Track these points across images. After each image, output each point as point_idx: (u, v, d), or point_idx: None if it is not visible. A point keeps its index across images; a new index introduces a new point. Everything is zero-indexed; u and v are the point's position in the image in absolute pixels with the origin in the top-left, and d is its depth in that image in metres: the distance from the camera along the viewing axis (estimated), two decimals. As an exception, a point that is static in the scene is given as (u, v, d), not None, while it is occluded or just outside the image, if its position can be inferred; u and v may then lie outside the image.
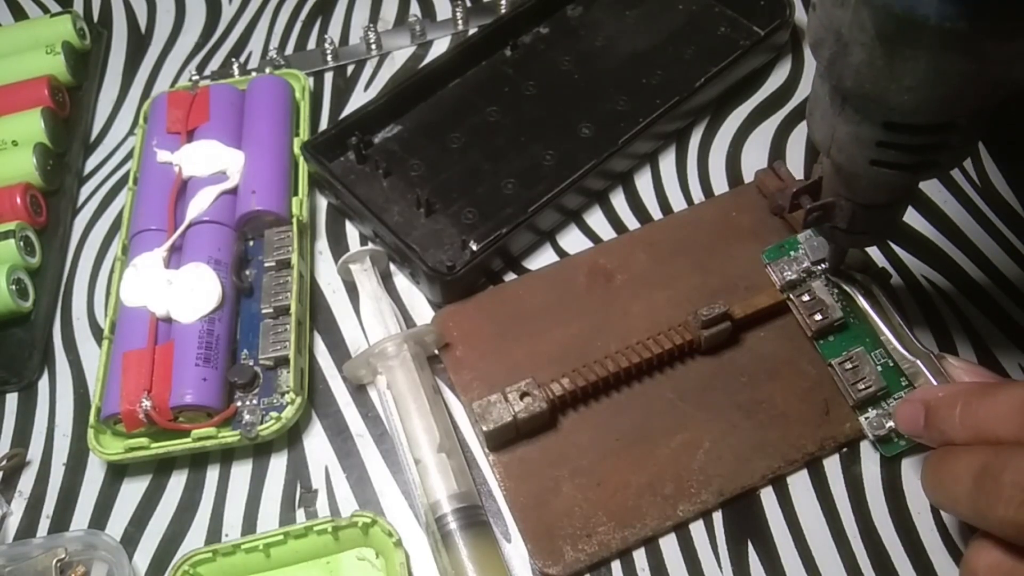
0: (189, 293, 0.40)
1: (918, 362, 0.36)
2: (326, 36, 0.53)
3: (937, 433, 0.32)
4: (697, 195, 0.46)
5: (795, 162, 0.46)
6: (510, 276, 0.43)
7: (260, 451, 0.40)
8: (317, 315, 0.43)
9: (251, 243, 0.44)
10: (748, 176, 0.46)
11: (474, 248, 0.42)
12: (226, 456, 0.40)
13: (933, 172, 0.31)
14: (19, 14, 0.58)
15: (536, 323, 0.41)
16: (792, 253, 0.40)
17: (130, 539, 0.38)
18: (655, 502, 0.36)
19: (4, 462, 0.40)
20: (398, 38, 0.53)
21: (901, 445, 0.37)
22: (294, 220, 0.43)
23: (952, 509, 0.31)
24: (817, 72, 0.31)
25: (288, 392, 0.39)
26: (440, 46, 0.53)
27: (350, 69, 0.52)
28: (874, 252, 0.42)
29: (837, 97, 0.30)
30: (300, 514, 0.38)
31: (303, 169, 0.46)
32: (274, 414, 0.38)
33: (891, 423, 0.37)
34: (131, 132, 0.51)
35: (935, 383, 0.35)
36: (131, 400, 0.38)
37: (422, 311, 0.43)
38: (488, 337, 0.41)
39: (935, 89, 0.27)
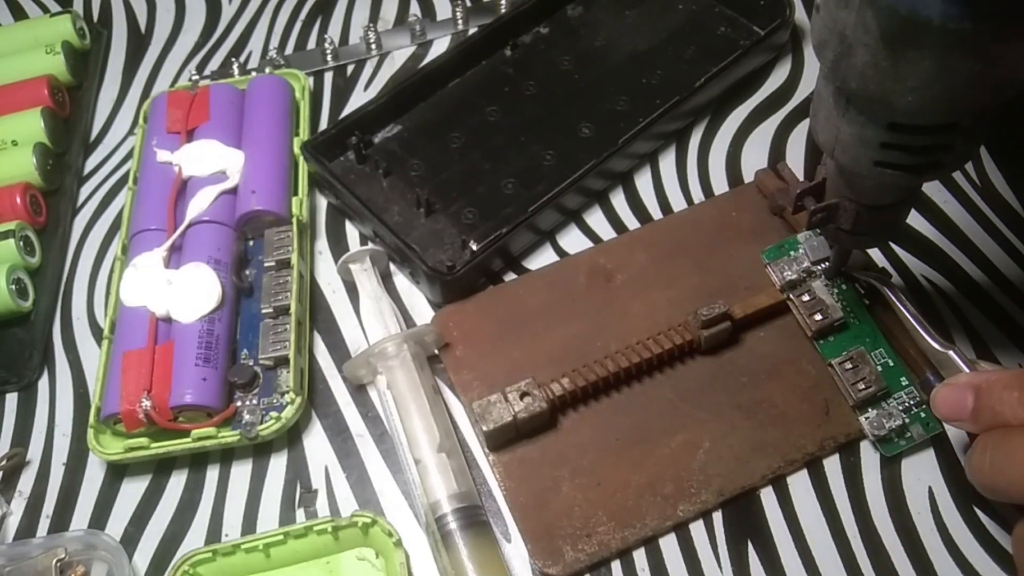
0: (189, 293, 0.40)
1: (950, 352, 0.35)
2: (326, 36, 0.53)
3: (990, 415, 0.31)
4: (697, 195, 0.46)
5: (795, 162, 0.46)
6: (510, 276, 0.43)
7: (260, 451, 0.40)
8: (317, 315, 0.43)
9: (251, 243, 0.44)
10: (748, 176, 0.46)
11: (474, 248, 0.42)
12: (226, 456, 0.40)
13: (937, 173, 0.31)
14: (19, 14, 0.58)
15: (536, 323, 0.41)
16: (792, 253, 0.40)
17: (130, 539, 0.38)
18: (655, 502, 0.36)
19: (4, 462, 0.40)
20: (398, 38, 0.53)
21: (901, 445, 0.37)
22: (294, 220, 0.43)
23: (1016, 491, 0.30)
24: (821, 73, 0.31)
25: (288, 392, 0.39)
26: (440, 46, 0.53)
27: (350, 69, 0.52)
28: (874, 252, 0.42)
29: (841, 98, 0.30)
30: (300, 514, 0.38)
31: (303, 169, 0.46)
32: (274, 414, 0.38)
33: (891, 423, 0.37)
34: (131, 132, 0.51)
35: (968, 372, 0.34)
36: (131, 400, 0.38)
37: (422, 311, 0.43)
38: (488, 337, 0.41)
39: (940, 90, 0.27)
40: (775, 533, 0.36)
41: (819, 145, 0.32)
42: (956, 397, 0.32)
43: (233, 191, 0.44)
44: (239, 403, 0.39)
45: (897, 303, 0.37)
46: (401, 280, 0.44)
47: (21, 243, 0.44)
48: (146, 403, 0.37)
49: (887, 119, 0.29)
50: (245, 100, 0.47)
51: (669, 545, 0.36)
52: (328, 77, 0.52)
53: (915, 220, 0.44)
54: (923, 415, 0.37)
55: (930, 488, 0.37)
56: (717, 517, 0.37)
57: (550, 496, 0.37)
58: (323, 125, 0.50)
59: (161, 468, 0.40)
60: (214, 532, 0.38)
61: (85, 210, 0.48)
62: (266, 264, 0.42)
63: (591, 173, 0.43)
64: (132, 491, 0.39)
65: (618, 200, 0.46)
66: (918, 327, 0.36)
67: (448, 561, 0.35)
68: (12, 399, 0.43)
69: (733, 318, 0.39)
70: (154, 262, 0.41)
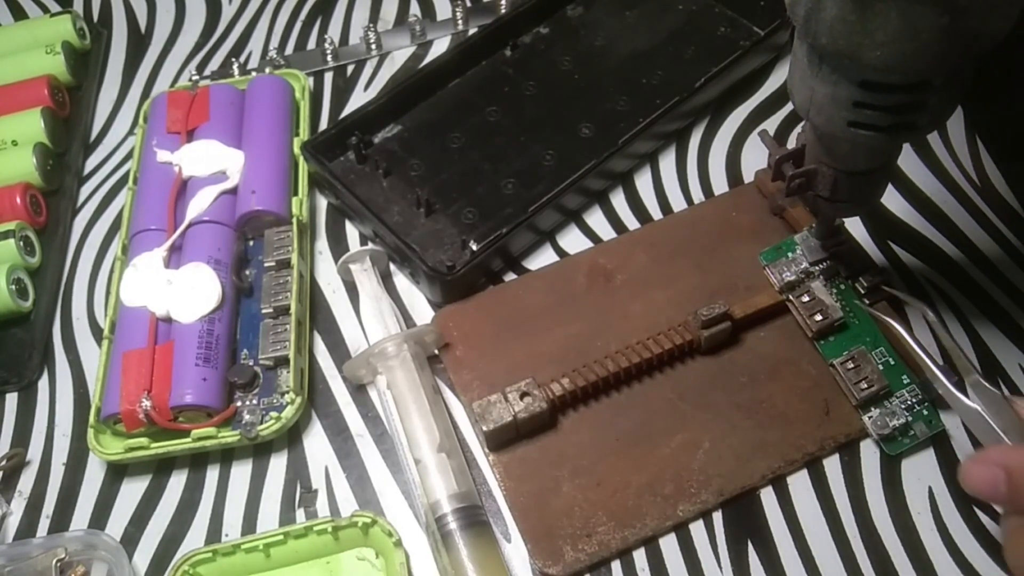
0: (189, 293, 0.40)
1: (978, 408, 0.32)
2: (326, 36, 0.53)
3: None
4: (697, 195, 0.46)
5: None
6: (510, 276, 0.43)
7: (260, 451, 0.40)
8: (317, 315, 0.43)
9: (251, 243, 0.44)
10: (748, 176, 0.46)
11: (474, 248, 0.42)
12: (226, 456, 0.40)
13: (911, 135, 0.31)
14: (19, 14, 0.58)
15: (536, 323, 0.41)
16: (790, 254, 0.40)
17: (130, 539, 0.38)
18: (655, 502, 0.36)
19: (4, 462, 0.40)
20: (398, 38, 0.53)
21: (905, 443, 0.37)
22: (294, 220, 0.43)
23: None
24: (796, 34, 0.31)
25: (288, 392, 0.39)
26: (440, 46, 0.53)
27: (350, 69, 0.52)
28: (874, 252, 0.42)
29: (814, 57, 0.30)
30: (300, 514, 0.38)
31: (303, 169, 0.46)
32: (274, 414, 0.38)
33: (894, 422, 0.37)
34: (131, 132, 0.51)
35: (1000, 448, 0.32)
36: (131, 400, 0.38)
37: (422, 311, 0.43)
38: (488, 337, 0.41)
39: (908, 44, 0.27)
40: (775, 533, 0.36)
41: (795, 107, 0.33)
42: (988, 477, 0.30)
43: (233, 191, 0.44)
44: (239, 403, 0.39)
45: (913, 345, 0.36)
46: (401, 280, 0.44)
47: (21, 243, 0.44)
48: (146, 403, 0.37)
49: (858, 76, 0.29)
50: (245, 100, 0.47)
51: (669, 545, 0.36)
52: (328, 77, 0.52)
53: (915, 220, 0.44)
54: (926, 413, 0.37)
55: (930, 488, 0.37)
56: (717, 517, 0.37)
57: (550, 496, 0.37)
58: (323, 125, 0.50)
59: (161, 468, 0.40)
60: (214, 532, 0.38)
61: (85, 210, 0.48)
62: (266, 264, 0.42)
63: (591, 173, 0.43)
64: (132, 491, 0.39)
65: (618, 200, 0.46)
66: (933, 367, 0.35)
67: (448, 561, 0.35)
68: (12, 399, 0.43)
69: (733, 318, 0.39)
70: (154, 262, 0.41)
